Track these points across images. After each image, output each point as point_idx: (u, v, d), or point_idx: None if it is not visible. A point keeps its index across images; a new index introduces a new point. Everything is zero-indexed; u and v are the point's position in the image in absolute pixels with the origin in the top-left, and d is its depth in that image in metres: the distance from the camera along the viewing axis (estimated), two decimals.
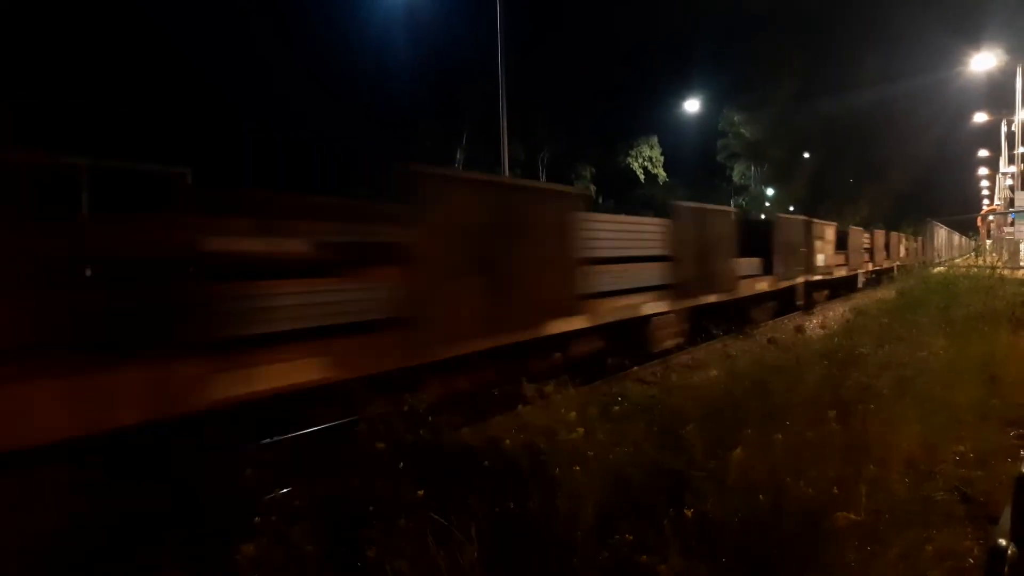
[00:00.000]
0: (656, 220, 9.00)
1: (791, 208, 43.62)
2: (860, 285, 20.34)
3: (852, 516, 2.88)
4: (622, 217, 8.86)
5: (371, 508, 2.86)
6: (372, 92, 30.12)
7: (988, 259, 27.00)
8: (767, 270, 12.18)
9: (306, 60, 29.21)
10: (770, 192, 49.94)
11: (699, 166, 47.71)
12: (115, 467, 3.30)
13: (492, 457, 3.44)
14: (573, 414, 3.74)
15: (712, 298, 9.60)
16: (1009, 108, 34.47)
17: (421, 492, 2.89)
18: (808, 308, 14.19)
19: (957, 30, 42.71)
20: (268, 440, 4.38)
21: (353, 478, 3.26)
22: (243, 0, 28.05)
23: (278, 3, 30.74)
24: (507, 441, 3.45)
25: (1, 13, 19.35)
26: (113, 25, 22.19)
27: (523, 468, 3.26)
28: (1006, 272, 17.93)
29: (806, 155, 48.27)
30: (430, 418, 3.83)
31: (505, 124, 16.88)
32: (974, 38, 33.46)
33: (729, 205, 45.16)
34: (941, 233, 41.55)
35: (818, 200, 44.90)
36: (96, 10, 21.98)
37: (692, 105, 43.68)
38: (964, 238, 54.57)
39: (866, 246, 21.28)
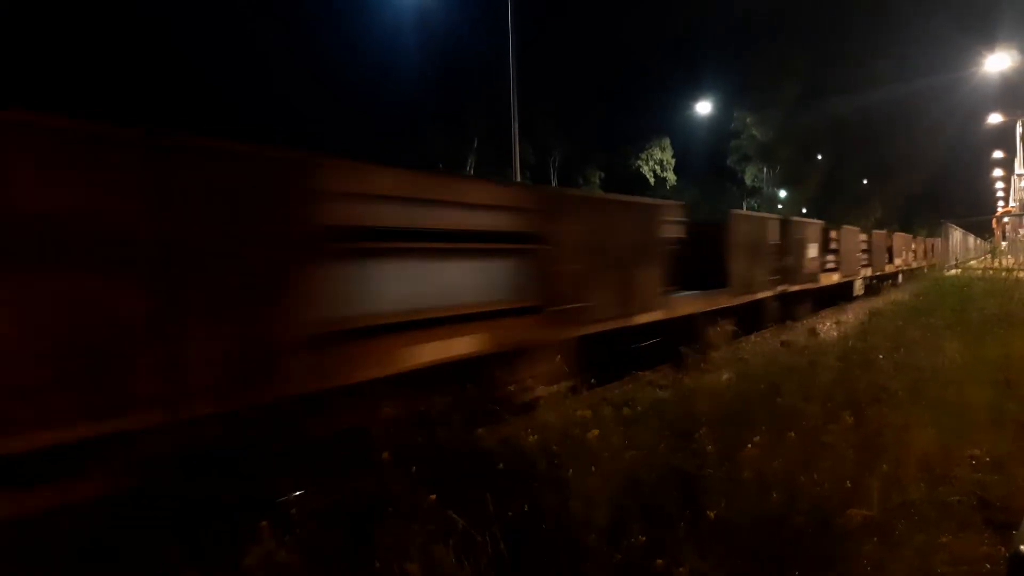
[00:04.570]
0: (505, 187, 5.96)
1: (803, 210, 43.35)
2: (857, 294, 17.81)
3: (865, 512, 2.87)
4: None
5: (386, 509, 2.87)
6: (382, 95, 30.25)
7: (1004, 261, 26.73)
8: (720, 283, 9.45)
9: (315, 62, 29.38)
10: (783, 194, 49.65)
11: (710, 168, 47.48)
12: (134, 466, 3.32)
13: (505, 459, 3.44)
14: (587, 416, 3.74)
15: (625, 322, 6.92)
16: None
17: (433, 497, 2.88)
18: (784, 324, 11.75)
19: (971, 30, 42.33)
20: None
21: (367, 480, 3.27)
22: (251, 1, 28.25)
23: (286, 5, 30.95)
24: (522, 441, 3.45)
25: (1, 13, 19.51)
26: (112, 25, 22.33)
27: (537, 470, 3.26)
28: (1022, 274, 17.76)
29: (819, 156, 47.96)
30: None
31: (516, 126, 16.89)
32: (988, 38, 33.18)
33: (741, 207, 45.06)
34: (956, 235, 41.16)
35: (831, 201, 44.65)
36: (96, 9, 22.13)
37: (703, 107, 43.51)
38: (979, 240, 54.07)
39: (863, 248, 18.56)
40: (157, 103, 21.48)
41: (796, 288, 12.78)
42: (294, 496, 3.74)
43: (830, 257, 15.01)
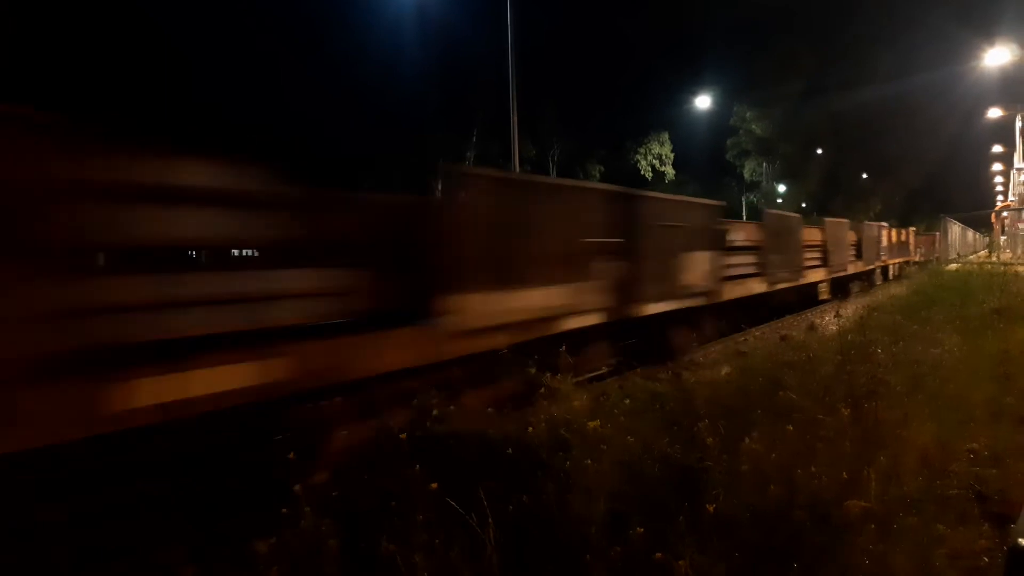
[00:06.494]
0: None
1: (803, 204, 43.32)
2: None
3: (864, 505, 2.89)
4: None
5: (391, 503, 2.88)
6: (383, 90, 30.16)
7: (1001, 255, 26.72)
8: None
9: (315, 60, 29.29)
10: (782, 189, 49.62)
11: (709, 163, 47.52)
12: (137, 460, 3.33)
13: (506, 451, 3.45)
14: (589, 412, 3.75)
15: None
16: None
17: (435, 485, 2.90)
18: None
19: (971, 25, 42.29)
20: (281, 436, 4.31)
21: (370, 472, 3.28)
22: (251, 1, 28.17)
23: (286, 4, 30.85)
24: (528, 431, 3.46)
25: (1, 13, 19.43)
26: (114, 24, 22.25)
27: (537, 462, 3.27)
28: (1021, 268, 17.79)
29: (818, 151, 47.91)
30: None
31: (515, 121, 16.82)
32: (988, 32, 33.11)
33: (740, 203, 45.01)
34: (955, 229, 41.20)
35: (830, 196, 44.61)
36: (96, 9, 22.06)
37: (703, 102, 43.33)
38: (978, 234, 54.12)
39: (814, 243, 12.68)
40: (158, 102, 21.45)
41: (660, 308, 6.74)
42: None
43: (747, 257, 6.97)
